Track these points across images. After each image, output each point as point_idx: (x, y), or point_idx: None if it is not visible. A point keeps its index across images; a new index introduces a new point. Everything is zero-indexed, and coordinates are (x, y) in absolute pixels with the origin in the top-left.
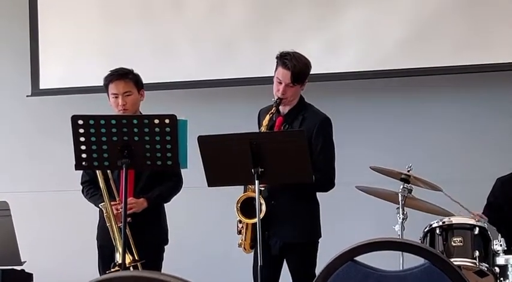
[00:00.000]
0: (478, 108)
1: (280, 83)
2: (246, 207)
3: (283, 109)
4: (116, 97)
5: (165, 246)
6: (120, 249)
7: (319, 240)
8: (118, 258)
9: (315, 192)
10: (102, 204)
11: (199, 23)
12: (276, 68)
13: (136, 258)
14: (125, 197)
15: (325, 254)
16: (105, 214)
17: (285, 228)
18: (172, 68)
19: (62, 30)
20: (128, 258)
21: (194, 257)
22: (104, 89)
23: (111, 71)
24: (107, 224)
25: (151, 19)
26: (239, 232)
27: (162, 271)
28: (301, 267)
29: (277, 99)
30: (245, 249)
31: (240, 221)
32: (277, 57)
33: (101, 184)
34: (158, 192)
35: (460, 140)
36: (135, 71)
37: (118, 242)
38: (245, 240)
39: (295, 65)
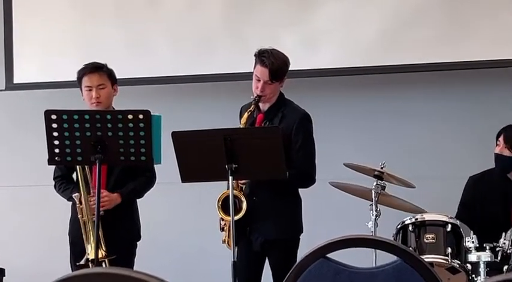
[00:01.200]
0: (454, 105)
1: (259, 80)
2: (228, 205)
3: (263, 106)
4: (90, 90)
5: (138, 242)
6: (93, 244)
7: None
8: (89, 251)
9: (296, 188)
10: (75, 195)
11: (176, 18)
12: (255, 66)
13: (105, 253)
14: (98, 192)
15: (299, 251)
16: (77, 205)
17: (267, 224)
18: (148, 64)
19: (37, 24)
20: (100, 254)
21: (170, 253)
22: (77, 83)
23: (84, 64)
24: (79, 216)
25: (127, 14)
26: (222, 229)
27: (136, 267)
28: (282, 263)
29: (256, 96)
30: (229, 245)
31: (223, 218)
32: (255, 55)
33: (79, 175)
34: (132, 187)
35: (435, 137)
36: (108, 66)
37: (91, 235)
38: (228, 237)
39: (273, 63)
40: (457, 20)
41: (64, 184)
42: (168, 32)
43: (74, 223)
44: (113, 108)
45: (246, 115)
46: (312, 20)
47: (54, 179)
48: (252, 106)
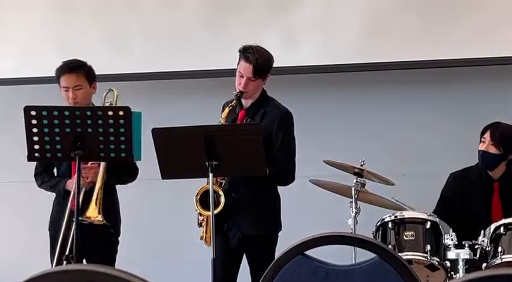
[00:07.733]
0: (433, 103)
1: (242, 76)
2: (206, 200)
3: (246, 103)
4: (67, 90)
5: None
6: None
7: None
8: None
9: (275, 185)
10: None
11: (156, 14)
12: (239, 62)
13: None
14: (77, 189)
15: (278, 249)
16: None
17: (245, 221)
18: (128, 60)
19: (14, 19)
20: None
21: (149, 250)
22: (56, 80)
23: (63, 62)
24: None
25: (105, 9)
26: (200, 225)
27: (116, 264)
28: (259, 260)
29: (238, 92)
30: (206, 242)
31: (201, 214)
32: (239, 51)
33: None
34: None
35: (415, 135)
36: (88, 63)
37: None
38: (206, 233)
39: (258, 59)
40: (436, 18)
41: (46, 177)
42: (150, 28)
43: (54, 219)
44: (93, 105)
45: (227, 110)
46: (292, 18)
47: (35, 176)
48: (234, 101)
